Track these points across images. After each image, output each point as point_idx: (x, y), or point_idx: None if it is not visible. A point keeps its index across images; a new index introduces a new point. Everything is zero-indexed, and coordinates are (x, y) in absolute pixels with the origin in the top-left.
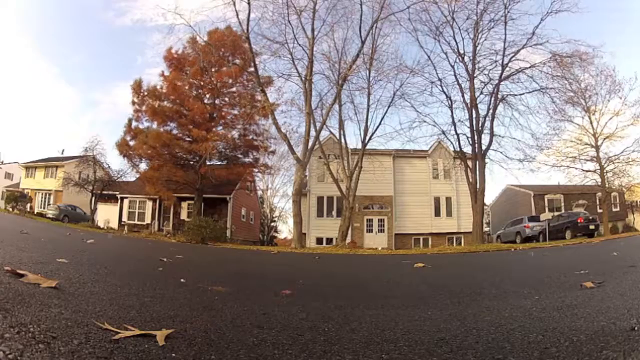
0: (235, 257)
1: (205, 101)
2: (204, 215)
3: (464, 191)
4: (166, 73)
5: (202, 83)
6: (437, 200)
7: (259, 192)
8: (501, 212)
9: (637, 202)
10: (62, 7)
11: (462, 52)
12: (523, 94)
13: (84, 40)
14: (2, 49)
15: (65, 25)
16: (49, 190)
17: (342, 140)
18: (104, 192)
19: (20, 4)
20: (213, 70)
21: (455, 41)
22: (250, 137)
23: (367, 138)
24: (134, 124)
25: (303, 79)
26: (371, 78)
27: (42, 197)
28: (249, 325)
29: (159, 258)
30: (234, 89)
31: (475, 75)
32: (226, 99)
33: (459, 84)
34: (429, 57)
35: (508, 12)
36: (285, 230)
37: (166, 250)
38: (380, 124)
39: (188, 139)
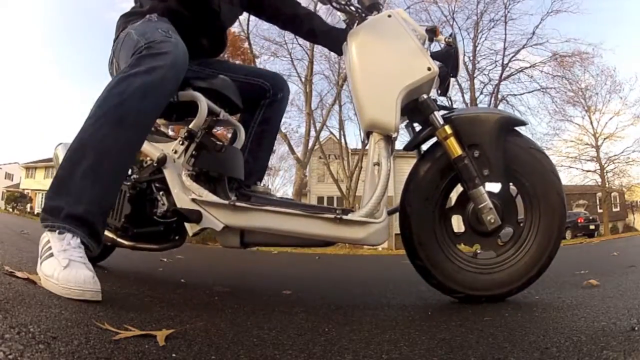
0: (235, 256)
1: None
2: None
3: None
4: None
5: None
6: None
7: None
8: None
9: (637, 202)
10: (62, 6)
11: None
12: (523, 94)
13: (86, 40)
14: (5, 48)
15: (67, 23)
16: None
17: (343, 141)
18: None
19: (21, 4)
20: None
21: None
22: None
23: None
24: None
25: (303, 79)
26: None
27: (42, 198)
28: (249, 325)
29: (160, 258)
30: None
31: (475, 75)
32: None
33: (459, 84)
34: None
35: (508, 12)
36: None
37: (166, 250)
38: None
39: None
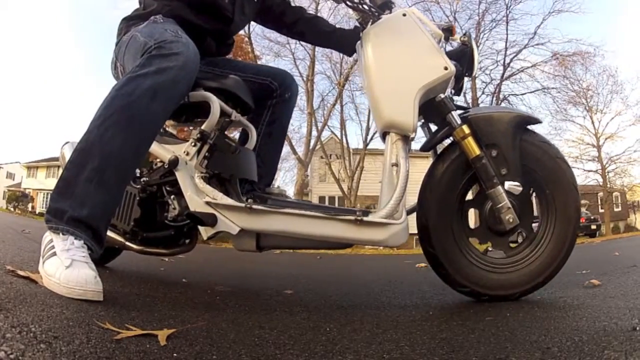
0: (237, 256)
1: None
2: None
3: None
4: None
5: None
6: None
7: None
8: None
9: (638, 202)
10: (62, 5)
11: None
12: (525, 93)
13: (88, 39)
14: (5, 47)
15: (68, 22)
16: (51, 190)
17: (344, 140)
18: None
19: (21, 3)
20: None
21: None
22: None
23: (369, 138)
24: None
25: (305, 79)
26: None
27: (44, 197)
28: (250, 325)
29: (161, 258)
30: None
31: (476, 75)
32: None
33: None
34: None
35: (509, 12)
36: None
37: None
38: None
39: None
